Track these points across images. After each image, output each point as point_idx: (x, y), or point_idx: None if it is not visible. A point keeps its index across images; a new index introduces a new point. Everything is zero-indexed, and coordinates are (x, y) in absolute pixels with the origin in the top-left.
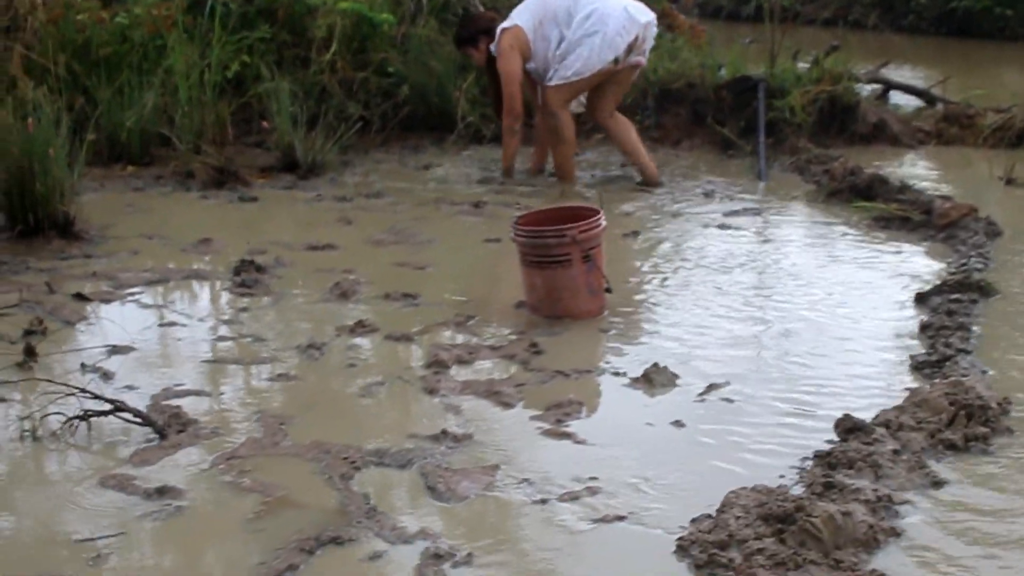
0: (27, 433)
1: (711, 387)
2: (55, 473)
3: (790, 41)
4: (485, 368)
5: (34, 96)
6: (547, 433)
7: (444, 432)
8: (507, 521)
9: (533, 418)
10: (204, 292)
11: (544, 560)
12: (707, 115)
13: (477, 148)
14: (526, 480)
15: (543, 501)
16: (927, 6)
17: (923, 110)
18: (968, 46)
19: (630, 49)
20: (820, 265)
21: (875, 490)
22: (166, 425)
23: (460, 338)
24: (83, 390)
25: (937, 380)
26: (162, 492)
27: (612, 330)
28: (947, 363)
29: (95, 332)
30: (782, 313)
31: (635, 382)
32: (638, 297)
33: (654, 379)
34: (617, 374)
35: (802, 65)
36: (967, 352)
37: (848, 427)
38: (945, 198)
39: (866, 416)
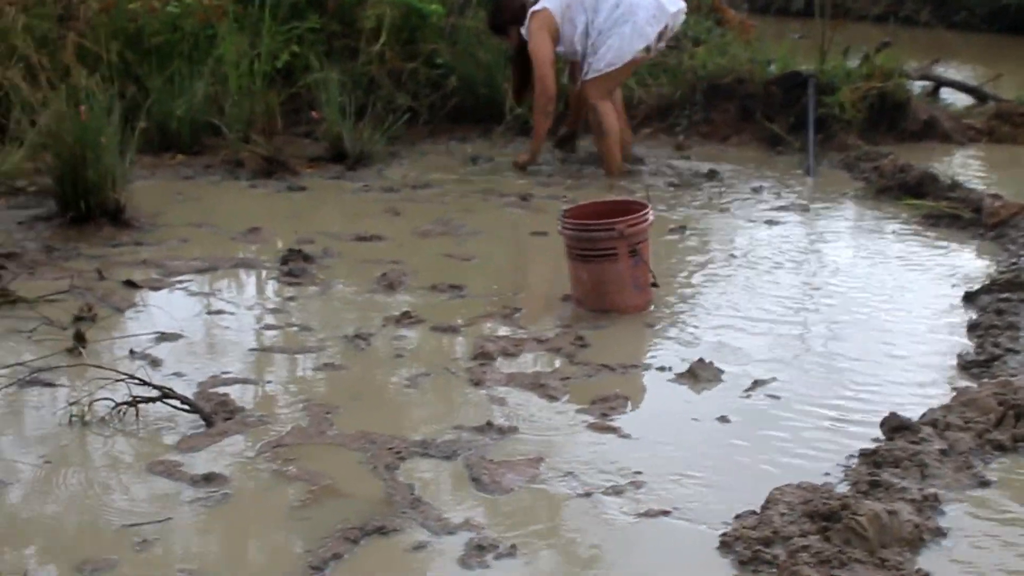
0: (76, 418)
1: (756, 383)
2: (102, 458)
3: (840, 37)
4: (530, 361)
5: (87, 84)
6: (592, 427)
7: (489, 424)
8: (551, 514)
9: (578, 411)
10: (252, 281)
11: (587, 553)
12: (756, 111)
13: (525, 140)
14: (570, 473)
15: (587, 494)
16: (979, 2)
17: (974, 107)
18: (1021, 43)
19: (660, 37)
20: (868, 263)
21: (921, 489)
22: (213, 412)
23: (506, 330)
24: (131, 376)
25: (985, 380)
26: (208, 479)
27: (658, 325)
28: (995, 363)
29: (144, 319)
30: (829, 310)
31: (680, 377)
32: (684, 292)
33: (699, 375)
34: (662, 369)
35: (852, 61)
36: (1016, 352)
37: (894, 426)
38: (995, 196)
39: (913, 415)
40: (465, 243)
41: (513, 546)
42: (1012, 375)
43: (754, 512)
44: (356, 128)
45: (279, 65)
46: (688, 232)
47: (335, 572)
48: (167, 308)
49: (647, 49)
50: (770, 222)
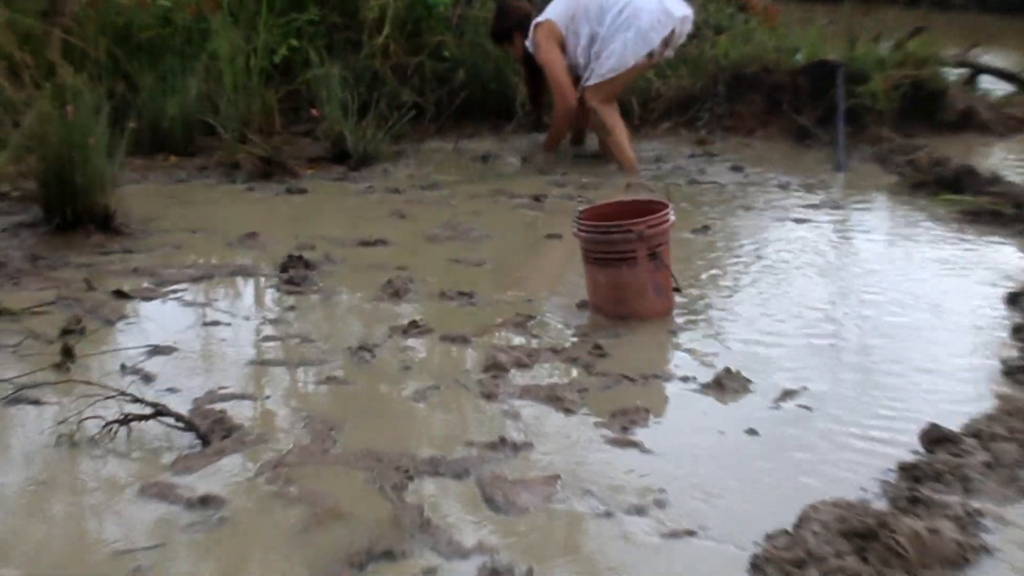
0: (64, 438)
1: (786, 394)
2: (93, 480)
3: (871, 22)
4: (546, 372)
5: (73, 82)
6: (612, 441)
7: (502, 439)
8: (569, 535)
9: (597, 425)
10: (250, 289)
11: None
12: (783, 102)
13: (538, 136)
14: (589, 491)
15: (608, 514)
16: None
17: (1015, 96)
18: None
19: (666, 43)
20: (903, 262)
21: (964, 505)
22: (209, 430)
23: (519, 340)
24: (123, 393)
25: None
26: (205, 501)
27: (681, 332)
28: None
29: (136, 331)
30: (862, 314)
31: (705, 388)
32: (708, 297)
33: (726, 385)
34: (686, 379)
35: (884, 48)
36: None
37: (935, 437)
38: None
39: (954, 425)
40: (475, 247)
41: (530, 570)
42: None
43: (786, 531)
44: (359, 127)
45: (277, 60)
46: (712, 232)
47: None
48: (160, 319)
49: (650, 55)
50: (799, 220)
